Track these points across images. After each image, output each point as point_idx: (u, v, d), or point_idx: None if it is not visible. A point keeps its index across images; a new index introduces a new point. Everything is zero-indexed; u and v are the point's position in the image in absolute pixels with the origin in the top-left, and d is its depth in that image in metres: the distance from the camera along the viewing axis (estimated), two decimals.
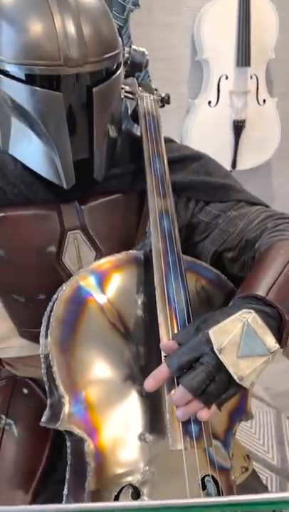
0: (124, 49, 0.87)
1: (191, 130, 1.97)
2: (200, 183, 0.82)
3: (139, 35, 1.84)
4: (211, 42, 1.86)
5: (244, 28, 1.84)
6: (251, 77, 1.93)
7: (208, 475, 0.65)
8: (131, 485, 0.61)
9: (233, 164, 2.02)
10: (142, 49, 0.89)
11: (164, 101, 0.95)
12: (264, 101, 1.99)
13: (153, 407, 0.64)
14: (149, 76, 1.81)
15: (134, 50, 0.88)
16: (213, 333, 0.55)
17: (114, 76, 0.72)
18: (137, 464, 0.62)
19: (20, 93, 0.67)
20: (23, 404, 0.85)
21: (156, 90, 0.97)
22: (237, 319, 0.57)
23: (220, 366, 0.55)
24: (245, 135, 1.98)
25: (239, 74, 1.91)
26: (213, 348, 0.55)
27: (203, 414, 0.56)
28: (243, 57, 1.87)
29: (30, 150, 0.72)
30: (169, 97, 0.96)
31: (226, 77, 1.90)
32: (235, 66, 1.89)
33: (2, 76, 0.67)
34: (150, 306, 0.67)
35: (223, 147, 1.99)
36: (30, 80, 0.66)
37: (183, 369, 0.57)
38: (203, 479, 0.64)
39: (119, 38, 0.74)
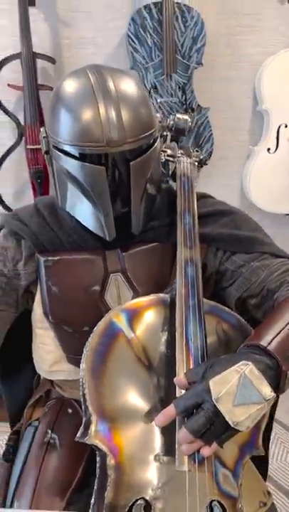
0: (171, 116, 1.02)
1: (250, 174, 2.06)
2: (228, 235, 0.92)
3: (202, 88, 1.99)
4: (271, 94, 1.96)
5: None
6: None
7: (215, 500, 0.72)
8: (144, 499, 0.70)
9: None
10: (185, 117, 1.03)
11: (202, 162, 1.07)
12: None
13: (168, 432, 0.73)
14: (210, 127, 1.95)
15: (178, 118, 1.02)
16: (213, 383, 0.64)
17: (151, 149, 0.86)
18: (151, 481, 0.72)
19: (73, 167, 0.84)
20: (66, 422, 0.98)
21: (197, 151, 1.09)
22: (235, 370, 0.65)
23: (218, 413, 0.63)
24: None
25: None
26: (211, 397, 0.64)
27: (205, 451, 0.66)
28: None
29: (81, 209, 0.88)
30: (206, 160, 1.08)
31: (285, 126, 1.98)
32: None
33: (60, 153, 0.84)
34: (172, 344, 0.78)
35: (282, 191, 2.05)
36: (81, 157, 0.83)
37: (187, 411, 0.66)
38: (211, 503, 0.72)
39: (157, 116, 0.88)
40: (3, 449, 1.08)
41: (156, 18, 1.80)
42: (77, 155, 0.83)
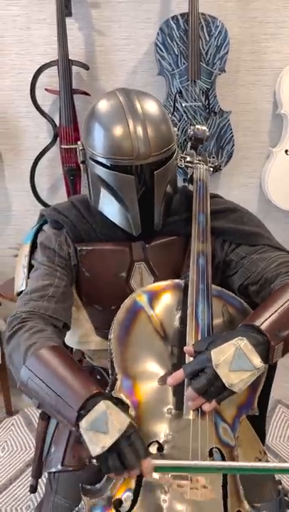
0: (191, 127, 1.17)
1: (269, 174, 2.18)
2: (235, 229, 1.08)
3: (225, 93, 2.12)
4: None
5: None
6: None
7: (216, 447, 0.89)
8: (157, 442, 0.88)
9: None
10: (203, 127, 1.19)
11: (217, 168, 1.23)
12: None
13: (178, 391, 0.90)
14: (231, 130, 2.08)
15: (198, 128, 1.18)
16: (213, 353, 0.82)
17: (170, 160, 1.02)
18: (164, 428, 0.89)
19: (106, 175, 1.00)
20: None
21: (213, 157, 1.25)
22: (232, 344, 0.82)
23: (217, 376, 0.81)
24: None
25: None
26: (212, 363, 0.81)
27: (206, 407, 0.84)
28: None
29: (112, 209, 1.05)
30: (220, 166, 1.23)
31: None
32: None
33: (95, 163, 1.01)
34: (184, 320, 0.95)
35: None
36: (113, 167, 0.99)
37: (193, 374, 0.84)
38: (211, 450, 0.88)
39: (175, 130, 1.03)
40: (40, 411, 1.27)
41: (183, 28, 1.94)
42: (109, 165, 0.99)
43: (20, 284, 1.08)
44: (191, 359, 0.88)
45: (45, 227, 1.12)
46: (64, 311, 1.02)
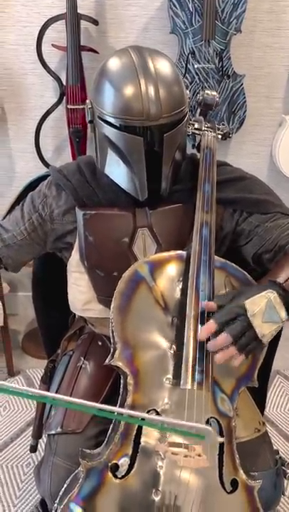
0: (201, 92, 1.12)
1: (280, 142, 2.12)
2: (245, 198, 1.06)
3: (239, 55, 2.03)
4: None
5: None
6: None
7: (213, 417, 0.89)
8: (155, 410, 0.88)
9: None
10: (213, 93, 1.13)
11: (226, 135, 1.18)
12: None
13: (178, 362, 0.90)
14: (244, 94, 2.00)
15: (207, 93, 1.13)
16: (247, 303, 0.83)
17: (181, 124, 0.98)
18: (162, 397, 0.89)
19: (114, 135, 0.97)
20: (97, 352, 1.16)
21: (223, 124, 1.20)
22: (264, 296, 0.84)
23: (250, 326, 0.82)
24: None
25: None
26: (247, 313, 0.82)
27: (237, 361, 0.84)
28: None
29: (118, 172, 1.02)
30: (230, 133, 1.19)
31: None
32: None
33: (103, 123, 0.98)
34: (185, 291, 0.93)
35: None
36: (122, 127, 0.96)
37: (223, 324, 0.84)
38: (208, 420, 0.89)
39: (187, 93, 0.99)
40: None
41: None
42: (118, 125, 0.96)
43: None
44: (191, 329, 0.88)
45: (45, 183, 1.13)
46: (9, 257, 1.14)
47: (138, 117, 0.93)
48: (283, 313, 0.84)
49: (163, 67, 0.96)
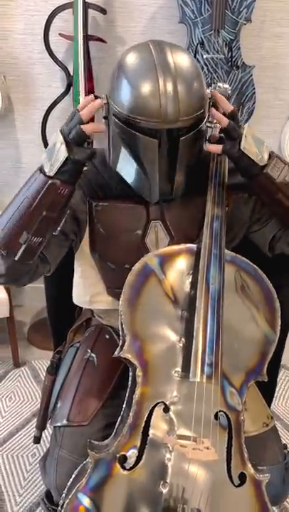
0: (213, 85, 1.10)
1: (288, 134, 2.10)
2: None
3: (248, 45, 2.00)
4: None
5: None
6: None
7: (222, 411, 0.89)
8: (163, 403, 0.88)
9: None
10: (225, 85, 1.10)
11: None
12: None
13: (187, 355, 0.90)
14: (253, 85, 1.98)
15: (219, 86, 1.10)
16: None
17: (198, 127, 0.94)
18: (171, 389, 0.89)
19: (128, 135, 0.93)
20: (104, 345, 1.16)
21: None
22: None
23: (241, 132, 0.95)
24: None
25: None
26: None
27: (214, 148, 0.97)
28: None
29: (130, 172, 0.99)
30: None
31: None
32: None
33: (118, 121, 0.94)
34: (195, 285, 0.93)
35: None
36: (136, 128, 0.91)
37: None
38: (217, 413, 0.89)
39: (207, 92, 0.96)
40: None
41: None
42: (133, 126, 0.91)
43: None
44: (201, 322, 0.88)
45: None
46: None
47: (154, 119, 0.89)
48: (266, 154, 0.93)
49: (184, 63, 0.91)
